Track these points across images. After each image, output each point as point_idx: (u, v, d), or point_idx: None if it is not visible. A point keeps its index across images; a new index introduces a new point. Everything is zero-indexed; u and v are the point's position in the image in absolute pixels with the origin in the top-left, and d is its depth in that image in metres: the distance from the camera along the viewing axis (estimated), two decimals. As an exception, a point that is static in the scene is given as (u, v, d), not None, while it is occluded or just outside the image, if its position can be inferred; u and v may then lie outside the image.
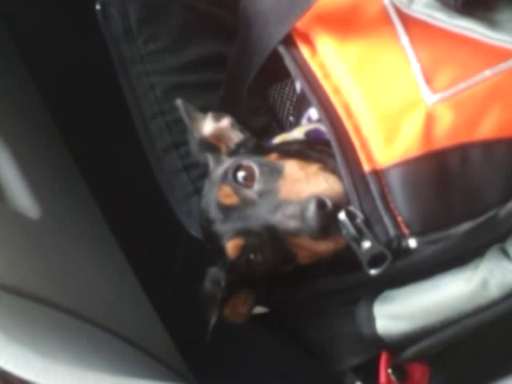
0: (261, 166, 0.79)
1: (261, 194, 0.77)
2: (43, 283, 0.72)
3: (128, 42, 0.95)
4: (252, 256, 0.79)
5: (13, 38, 1.07)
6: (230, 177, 0.80)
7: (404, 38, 0.71)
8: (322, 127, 0.83)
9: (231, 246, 0.79)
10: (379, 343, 0.76)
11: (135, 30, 0.95)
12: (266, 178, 0.78)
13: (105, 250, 0.96)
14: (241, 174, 0.79)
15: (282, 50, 0.76)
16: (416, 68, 0.70)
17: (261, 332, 0.99)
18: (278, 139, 0.90)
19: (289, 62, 0.76)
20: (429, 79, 0.70)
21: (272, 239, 0.76)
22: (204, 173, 0.93)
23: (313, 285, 0.81)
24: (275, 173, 0.78)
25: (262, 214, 0.76)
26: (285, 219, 0.74)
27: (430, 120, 0.69)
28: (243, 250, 0.78)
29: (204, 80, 0.98)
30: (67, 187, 0.99)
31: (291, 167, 0.78)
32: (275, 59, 0.81)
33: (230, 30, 0.96)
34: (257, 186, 0.78)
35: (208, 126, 0.86)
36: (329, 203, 0.71)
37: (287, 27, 0.75)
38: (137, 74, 0.95)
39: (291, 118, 1.00)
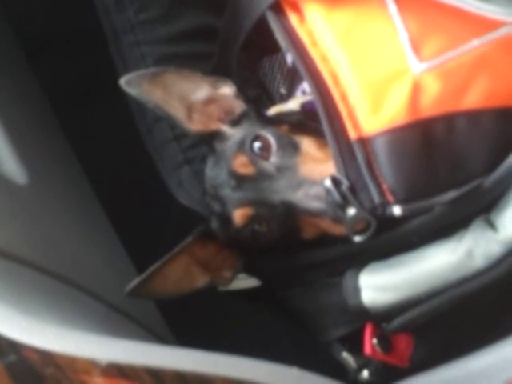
0: (278, 138, 0.78)
1: (279, 168, 0.76)
2: (29, 247, 0.72)
3: (119, 12, 0.94)
4: (257, 226, 0.79)
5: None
6: (247, 146, 0.79)
7: (392, 7, 0.71)
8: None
9: (240, 214, 0.78)
10: (365, 314, 0.76)
11: (126, 0, 0.94)
12: (282, 152, 0.77)
13: (91, 216, 0.96)
14: (257, 145, 0.78)
15: (270, 16, 0.76)
16: (404, 37, 0.70)
17: (248, 306, 1.00)
18: (273, 110, 0.89)
19: (277, 30, 0.75)
20: (416, 48, 0.69)
21: (285, 214, 0.76)
22: (194, 143, 0.94)
23: (301, 255, 0.81)
24: (292, 147, 0.77)
25: (282, 189, 0.75)
26: (307, 199, 0.74)
27: (416, 89, 0.69)
28: (251, 220, 0.78)
29: (195, 51, 0.96)
30: (54, 153, 0.99)
31: (309, 145, 0.77)
32: (266, 32, 0.81)
33: (221, 2, 0.95)
34: (274, 159, 0.77)
35: (203, 90, 0.83)
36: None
37: None
38: (128, 44, 0.95)
39: (282, 91, 0.99)
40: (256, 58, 1.03)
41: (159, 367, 0.55)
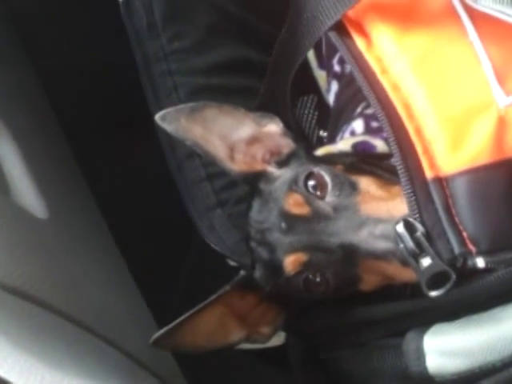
0: (333, 176, 0.72)
1: (336, 208, 0.70)
2: (51, 289, 0.64)
3: (152, 39, 0.91)
4: (311, 276, 0.72)
5: (22, 37, 1.02)
6: (300, 185, 0.73)
7: (472, 34, 0.66)
8: (371, 140, 0.79)
9: (292, 260, 0.72)
10: (428, 383, 0.68)
11: (160, 26, 0.91)
12: (339, 191, 0.71)
13: (108, 260, 0.89)
14: (311, 183, 0.73)
15: (335, 38, 0.69)
16: (487, 67, 0.65)
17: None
18: (321, 151, 0.83)
19: (344, 53, 0.69)
20: (501, 80, 0.64)
21: (343, 260, 0.70)
22: (228, 184, 0.90)
23: (355, 311, 0.74)
24: (349, 187, 0.72)
25: (340, 231, 0.69)
26: (372, 239, 0.67)
27: (502, 124, 0.63)
28: (304, 267, 0.72)
29: (231, 84, 0.93)
30: (73, 190, 0.94)
31: (368, 184, 0.72)
32: (301, 72, 0.77)
33: (259, 35, 0.94)
34: (329, 199, 0.71)
35: (247, 127, 0.78)
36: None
37: (344, 7, 0.68)
38: (160, 73, 0.91)
39: (321, 133, 0.93)
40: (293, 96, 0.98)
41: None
